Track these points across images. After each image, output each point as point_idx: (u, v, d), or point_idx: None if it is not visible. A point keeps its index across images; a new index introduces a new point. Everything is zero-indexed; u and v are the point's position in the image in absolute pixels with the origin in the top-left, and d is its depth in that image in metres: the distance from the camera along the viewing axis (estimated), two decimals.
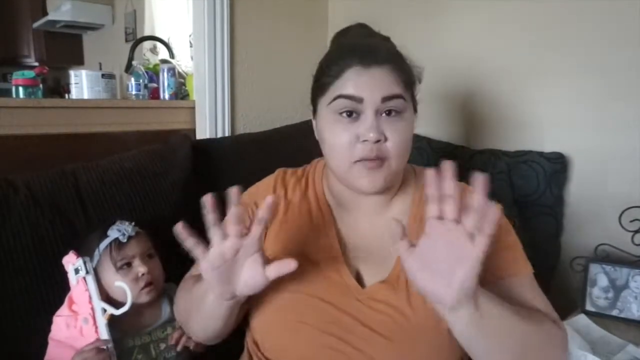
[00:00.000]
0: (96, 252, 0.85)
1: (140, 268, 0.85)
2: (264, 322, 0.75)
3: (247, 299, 0.70)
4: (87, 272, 0.82)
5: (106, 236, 0.86)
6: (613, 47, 1.15)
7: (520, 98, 1.32)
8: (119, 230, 0.86)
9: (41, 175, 0.96)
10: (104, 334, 0.78)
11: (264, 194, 0.80)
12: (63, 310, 0.84)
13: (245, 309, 0.78)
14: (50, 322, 0.84)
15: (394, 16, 1.57)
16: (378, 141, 0.68)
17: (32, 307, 0.87)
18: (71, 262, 0.84)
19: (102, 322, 0.79)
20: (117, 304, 0.82)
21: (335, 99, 0.70)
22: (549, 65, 1.26)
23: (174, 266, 0.94)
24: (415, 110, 0.76)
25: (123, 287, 0.82)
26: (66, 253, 0.86)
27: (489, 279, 0.70)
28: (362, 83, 0.68)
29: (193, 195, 1.14)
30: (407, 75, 0.72)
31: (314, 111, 0.78)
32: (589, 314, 1.07)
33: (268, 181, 0.86)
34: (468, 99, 1.43)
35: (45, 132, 1.35)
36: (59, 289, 0.86)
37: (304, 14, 1.75)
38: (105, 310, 0.80)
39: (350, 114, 0.69)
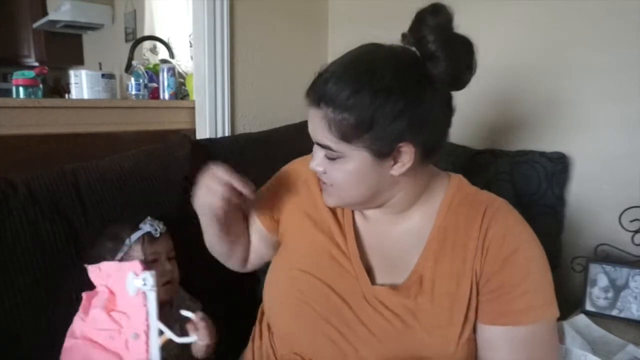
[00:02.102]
0: (127, 242, 0.87)
1: (166, 265, 0.91)
2: (273, 297, 0.79)
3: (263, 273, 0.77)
4: (152, 287, 0.70)
5: (138, 229, 0.89)
6: (613, 47, 1.15)
7: (521, 98, 1.32)
8: (151, 225, 0.90)
9: (41, 175, 0.96)
10: (156, 357, 0.69)
11: (291, 179, 0.84)
12: (100, 315, 0.75)
13: (245, 243, 0.85)
14: (49, 322, 0.84)
15: (394, 16, 1.56)
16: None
17: (32, 306, 0.86)
18: (135, 271, 0.71)
19: (156, 343, 0.69)
20: None
21: None
22: (549, 66, 1.26)
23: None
24: (382, 154, 0.63)
25: (190, 316, 0.76)
26: (67, 252, 0.85)
27: (489, 320, 0.67)
28: (309, 120, 0.67)
29: (192, 195, 1.15)
30: (348, 122, 0.61)
31: None
32: (589, 314, 1.07)
33: (299, 164, 0.85)
34: (469, 99, 1.43)
35: (46, 132, 1.35)
36: (59, 289, 0.86)
37: (304, 14, 1.75)
38: (162, 333, 0.69)
39: None
